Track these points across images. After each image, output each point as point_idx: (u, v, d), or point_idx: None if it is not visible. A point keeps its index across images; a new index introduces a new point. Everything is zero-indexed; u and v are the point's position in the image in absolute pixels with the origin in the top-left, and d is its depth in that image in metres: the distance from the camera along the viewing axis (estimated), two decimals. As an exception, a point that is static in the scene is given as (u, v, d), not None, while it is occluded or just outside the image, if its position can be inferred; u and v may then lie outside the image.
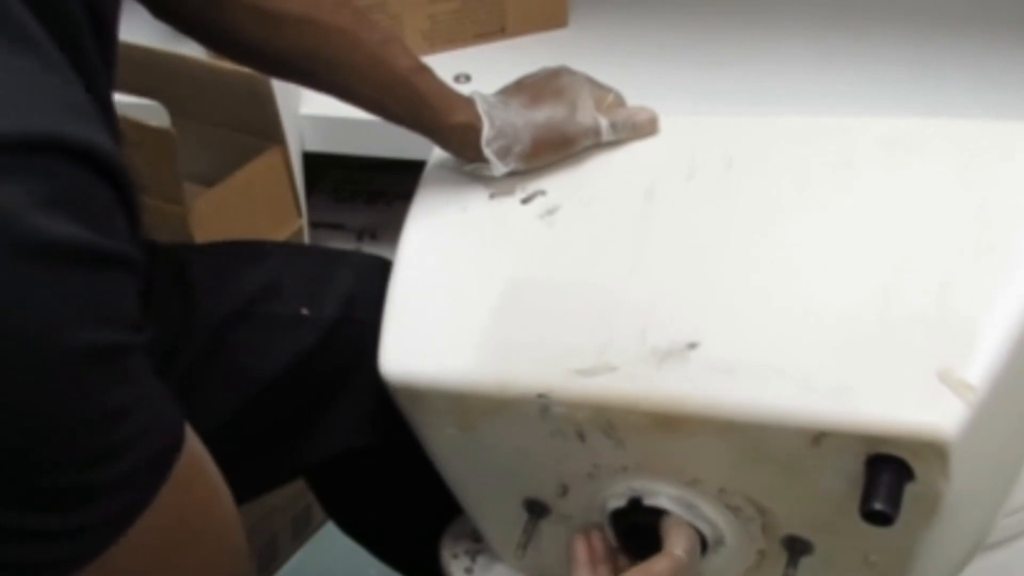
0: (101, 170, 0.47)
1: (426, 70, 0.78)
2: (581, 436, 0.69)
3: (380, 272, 0.81)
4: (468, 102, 0.79)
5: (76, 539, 0.49)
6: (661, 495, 0.70)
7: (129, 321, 0.49)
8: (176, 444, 0.53)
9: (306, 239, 1.22)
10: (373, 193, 1.47)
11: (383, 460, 0.85)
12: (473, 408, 0.71)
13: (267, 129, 1.12)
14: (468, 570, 0.86)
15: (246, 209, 1.11)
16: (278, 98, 1.11)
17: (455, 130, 0.79)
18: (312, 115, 1.22)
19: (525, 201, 0.80)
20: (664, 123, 0.82)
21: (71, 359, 0.45)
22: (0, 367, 0.43)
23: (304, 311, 0.80)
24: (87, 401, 0.47)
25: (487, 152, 0.78)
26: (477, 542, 0.86)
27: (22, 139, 0.44)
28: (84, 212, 0.45)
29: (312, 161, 1.26)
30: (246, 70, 1.07)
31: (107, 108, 0.59)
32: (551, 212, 0.78)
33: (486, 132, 0.78)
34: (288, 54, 0.76)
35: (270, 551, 1.22)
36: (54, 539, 0.49)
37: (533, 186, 0.80)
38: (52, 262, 0.44)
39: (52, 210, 0.44)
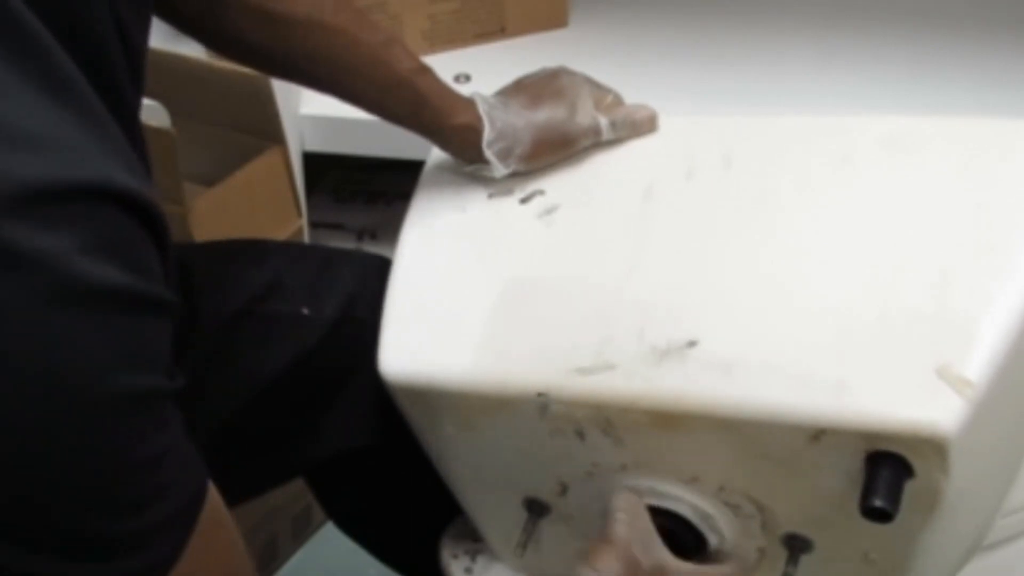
0: (140, 216, 0.47)
1: (427, 71, 0.78)
2: (580, 435, 0.69)
3: (381, 271, 0.81)
4: (469, 103, 0.79)
5: None
6: (661, 494, 0.70)
7: (165, 366, 0.49)
8: (202, 492, 0.53)
9: (306, 239, 1.22)
10: (373, 193, 1.47)
11: (383, 460, 0.85)
12: (472, 407, 0.71)
13: (267, 129, 1.12)
14: (468, 570, 0.85)
15: (246, 209, 1.11)
16: (278, 98, 1.11)
17: (456, 131, 0.79)
18: (312, 115, 1.22)
19: (524, 201, 0.80)
20: (663, 123, 0.82)
21: (112, 403, 0.45)
22: (43, 411, 0.44)
23: (305, 310, 0.80)
24: (127, 446, 0.47)
25: (488, 154, 0.79)
26: (477, 542, 0.86)
27: (68, 186, 0.44)
28: (126, 257, 0.46)
29: (312, 161, 1.26)
30: (246, 70, 1.07)
31: (135, 134, 0.59)
32: (550, 212, 0.78)
33: (487, 134, 0.78)
34: (290, 55, 0.77)
35: (270, 551, 1.22)
36: None
37: (532, 186, 0.81)
38: (96, 307, 0.44)
39: (96, 256, 0.44)
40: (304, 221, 1.20)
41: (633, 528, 0.68)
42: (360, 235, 1.42)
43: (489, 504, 0.81)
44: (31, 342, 0.43)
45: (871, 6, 1.39)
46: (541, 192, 0.80)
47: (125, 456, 0.47)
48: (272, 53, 0.77)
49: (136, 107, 0.60)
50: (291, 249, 0.95)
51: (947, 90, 1.23)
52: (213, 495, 0.54)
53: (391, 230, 0.86)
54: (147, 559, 0.50)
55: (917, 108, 1.19)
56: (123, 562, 0.49)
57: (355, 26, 0.76)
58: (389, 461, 0.85)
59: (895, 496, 0.59)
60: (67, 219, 0.44)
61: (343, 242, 1.40)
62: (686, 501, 0.70)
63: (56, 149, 0.45)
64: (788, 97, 1.23)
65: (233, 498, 0.59)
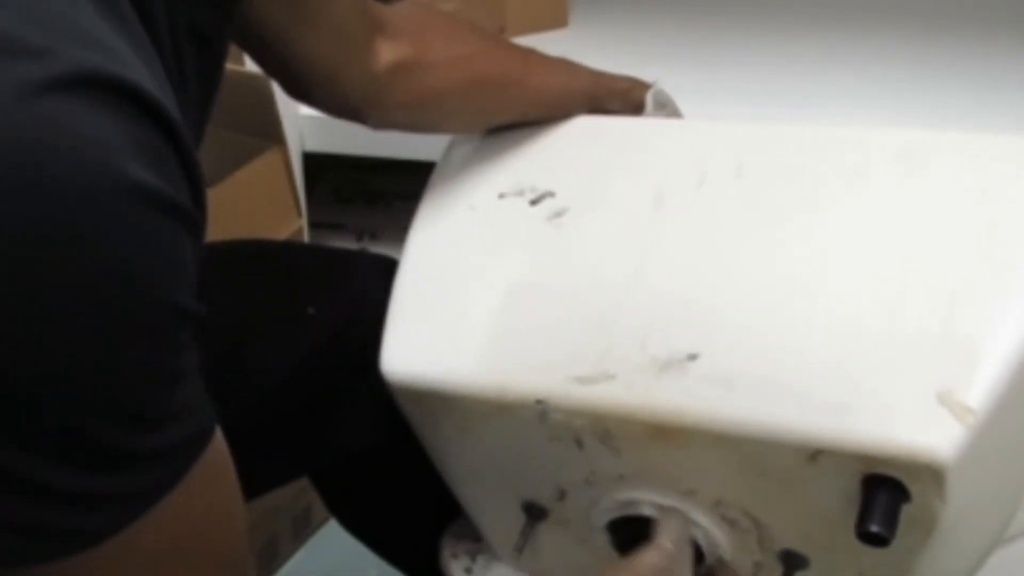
0: (177, 149, 0.46)
1: (566, 65, 0.86)
2: (579, 443, 0.69)
3: (387, 272, 0.80)
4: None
5: (105, 506, 0.48)
6: (657, 505, 0.70)
7: (195, 287, 0.48)
8: (210, 428, 0.52)
9: (306, 239, 1.22)
10: (373, 193, 1.47)
11: (387, 459, 0.85)
12: (472, 411, 0.71)
13: (267, 129, 1.12)
14: (468, 570, 0.86)
15: (246, 209, 1.11)
16: (278, 98, 1.10)
17: (624, 91, 0.88)
18: (312, 115, 1.21)
19: (534, 203, 0.79)
20: (678, 127, 0.82)
21: (168, 310, 0.45)
22: (106, 309, 0.42)
23: (311, 310, 0.80)
24: (156, 357, 0.46)
25: (648, 102, 0.86)
26: (477, 542, 0.86)
27: (122, 84, 0.43)
28: (161, 170, 0.45)
29: (312, 161, 1.26)
30: (246, 70, 1.06)
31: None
32: (559, 215, 0.77)
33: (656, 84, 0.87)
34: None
35: (270, 551, 1.22)
36: (84, 503, 0.47)
37: (543, 187, 0.80)
38: (145, 205, 0.43)
39: (140, 159, 0.43)
40: (304, 221, 1.20)
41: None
42: (360, 235, 1.41)
43: (488, 506, 0.81)
44: (101, 224, 0.41)
45: (873, 6, 1.38)
46: (552, 194, 0.79)
47: (153, 367, 0.46)
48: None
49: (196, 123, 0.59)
50: (297, 249, 0.95)
51: (948, 90, 1.23)
52: (222, 447, 0.54)
53: (391, 230, 0.86)
54: (148, 480, 0.49)
55: (918, 108, 1.19)
56: (124, 477, 0.48)
57: (505, 66, 0.82)
58: (393, 460, 0.85)
59: (891, 521, 0.58)
60: (115, 111, 0.43)
61: (343, 242, 1.40)
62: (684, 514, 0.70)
63: (117, 58, 0.44)
64: (789, 96, 1.22)
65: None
